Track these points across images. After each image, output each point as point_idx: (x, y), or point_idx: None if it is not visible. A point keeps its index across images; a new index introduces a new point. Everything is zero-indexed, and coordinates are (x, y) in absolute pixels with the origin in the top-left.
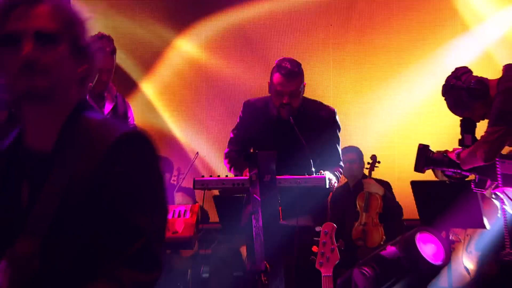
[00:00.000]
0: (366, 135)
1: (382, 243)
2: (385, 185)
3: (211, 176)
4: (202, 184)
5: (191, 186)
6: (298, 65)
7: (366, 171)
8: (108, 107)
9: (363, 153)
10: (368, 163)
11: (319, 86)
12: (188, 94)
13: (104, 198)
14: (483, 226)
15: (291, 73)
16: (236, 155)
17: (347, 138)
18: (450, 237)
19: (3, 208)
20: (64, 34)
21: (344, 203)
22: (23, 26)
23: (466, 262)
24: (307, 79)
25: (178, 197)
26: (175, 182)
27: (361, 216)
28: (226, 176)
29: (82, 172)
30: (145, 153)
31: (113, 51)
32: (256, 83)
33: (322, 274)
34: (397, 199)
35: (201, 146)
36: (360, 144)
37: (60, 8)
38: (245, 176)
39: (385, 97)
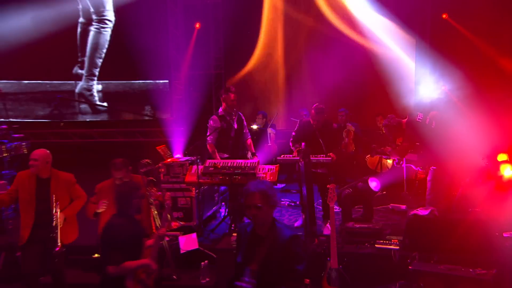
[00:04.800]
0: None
1: (353, 150)
2: (356, 125)
3: (281, 155)
4: (280, 159)
5: (275, 124)
6: (323, 108)
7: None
8: (235, 119)
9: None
10: (347, 114)
11: None
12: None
13: (285, 256)
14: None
15: (319, 111)
16: (296, 143)
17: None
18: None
19: (250, 255)
20: (265, 204)
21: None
22: (250, 202)
23: (390, 164)
24: None
25: (269, 130)
26: (270, 122)
27: (344, 139)
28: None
29: (276, 245)
30: (299, 241)
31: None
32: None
33: (330, 206)
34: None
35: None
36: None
37: (262, 193)
38: (297, 156)
39: None
